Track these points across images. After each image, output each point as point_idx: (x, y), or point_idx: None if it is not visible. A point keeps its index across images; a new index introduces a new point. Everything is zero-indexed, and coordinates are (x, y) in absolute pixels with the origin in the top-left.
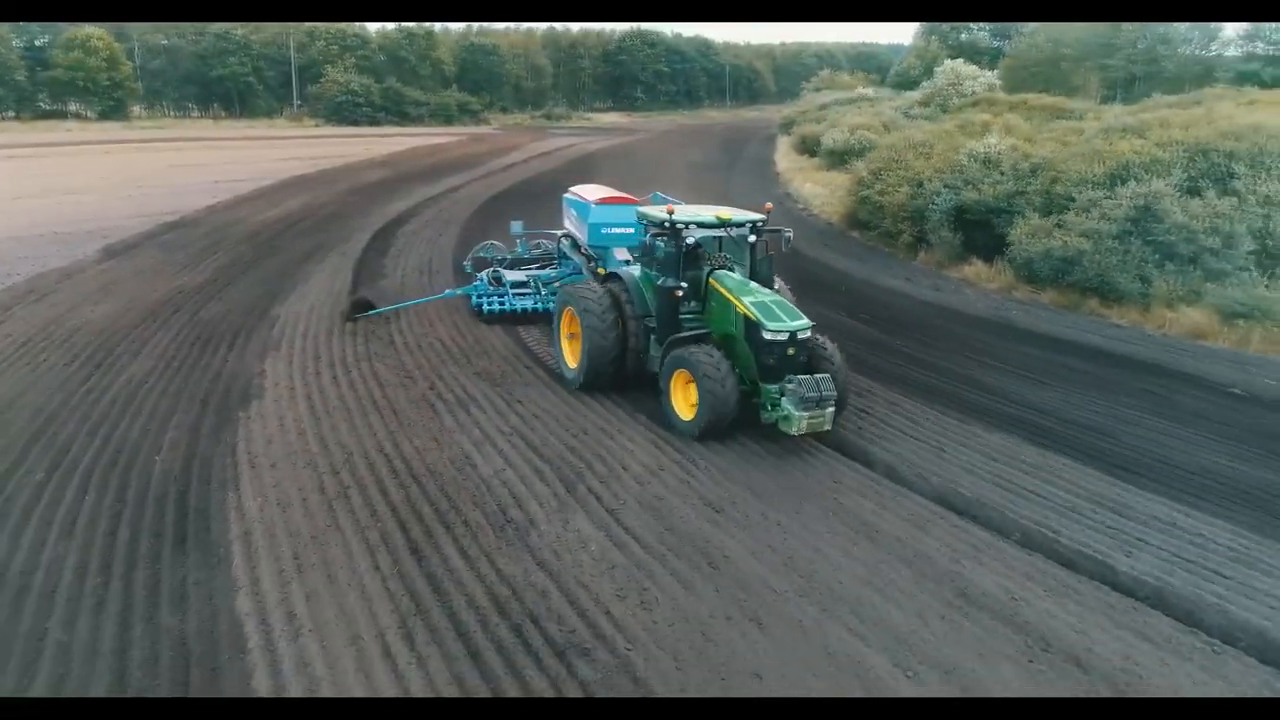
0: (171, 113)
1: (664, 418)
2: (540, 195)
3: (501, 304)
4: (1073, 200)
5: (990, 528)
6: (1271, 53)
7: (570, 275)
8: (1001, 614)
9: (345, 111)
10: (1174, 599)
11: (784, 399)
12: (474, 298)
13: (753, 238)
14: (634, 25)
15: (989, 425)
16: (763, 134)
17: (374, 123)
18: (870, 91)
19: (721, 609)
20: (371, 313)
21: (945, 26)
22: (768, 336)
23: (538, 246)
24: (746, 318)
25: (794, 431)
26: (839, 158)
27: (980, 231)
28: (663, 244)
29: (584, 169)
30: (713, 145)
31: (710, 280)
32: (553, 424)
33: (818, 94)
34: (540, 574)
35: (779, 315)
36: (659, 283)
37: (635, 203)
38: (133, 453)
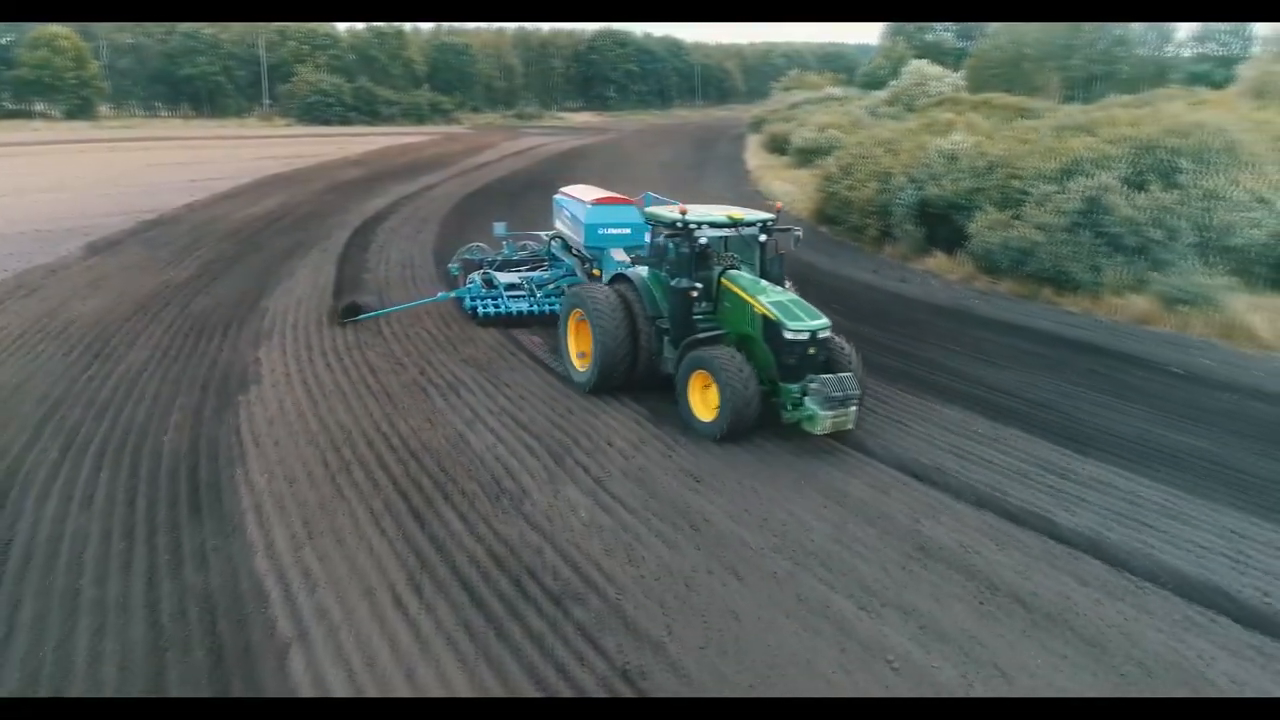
0: (139, 112)
1: (682, 419)
2: (517, 193)
3: (496, 307)
4: (1028, 194)
5: (947, 490)
6: (1222, 54)
7: (564, 277)
8: (955, 563)
9: (316, 111)
10: (1108, 548)
11: (807, 399)
12: (467, 300)
13: (763, 237)
14: (604, 25)
15: (947, 402)
16: (733, 133)
17: (345, 122)
18: (838, 91)
19: (703, 563)
20: (362, 317)
21: (911, 27)
22: (789, 336)
23: (523, 247)
24: (765, 317)
25: (818, 431)
26: (807, 156)
27: (942, 225)
28: (675, 244)
29: (559, 168)
30: (684, 144)
31: (722, 280)
32: (539, 405)
33: (787, 94)
34: (534, 535)
35: (799, 315)
36: (673, 283)
37: (631, 203)
38: (140, 434)
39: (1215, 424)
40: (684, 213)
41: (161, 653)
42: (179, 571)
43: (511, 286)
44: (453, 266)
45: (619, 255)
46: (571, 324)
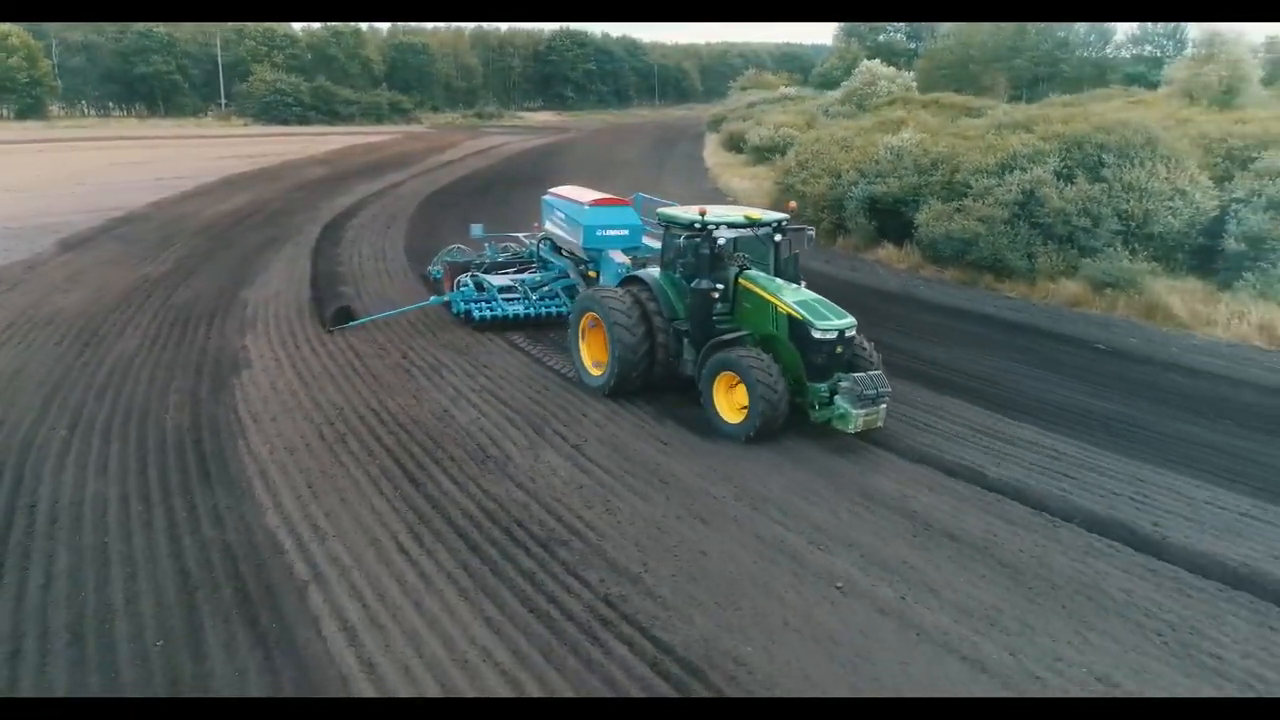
0: (91, 112)
1: (708, 422)
2: (483, 190)
3: (492, 310)
4: (970, 187)
5: (891, 450)
6: (1157, 55)
7: (558, 279)
8: (895, 507)
9: (274, 110)
10: (1029, 493)
11: (839, 397)
12: (459, 304)
13: (778, 237)
14: (562, 25)
15: (895, 376)
16: (692, 132)
17: (304, 121)
18: (793, 91)
19: (672, 511)
20: (352, 323)
21: (864, 28)
22: (818, 335)
23: (505, 249)
24: (791, 317)
25: (850, 429)
26: (763, 154)
27: (892, 219)
28: (693, 245)
29: (523, 166)
30: (644, 143)
31: (741, 280)
32: (518, 383)
33: (744, 93)
34: (520, 493)
35: (825, 314)
36: (694, 285)
37: (628, 204)
38: (143, 412)
39: (1133, 393)
40: (704, 213)
41: (193, 591)
42: (198, 528)
43: (504, 289)
44: (434, 270)
45: (618, 257)
46: (583, 327)
